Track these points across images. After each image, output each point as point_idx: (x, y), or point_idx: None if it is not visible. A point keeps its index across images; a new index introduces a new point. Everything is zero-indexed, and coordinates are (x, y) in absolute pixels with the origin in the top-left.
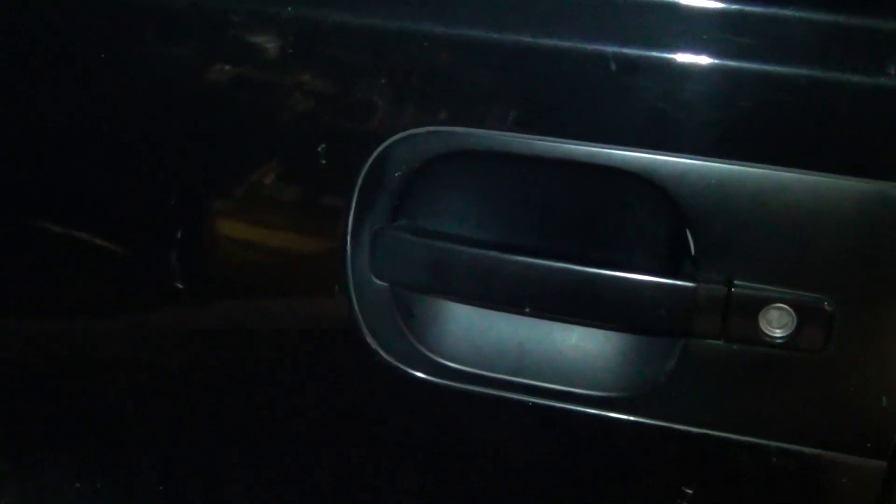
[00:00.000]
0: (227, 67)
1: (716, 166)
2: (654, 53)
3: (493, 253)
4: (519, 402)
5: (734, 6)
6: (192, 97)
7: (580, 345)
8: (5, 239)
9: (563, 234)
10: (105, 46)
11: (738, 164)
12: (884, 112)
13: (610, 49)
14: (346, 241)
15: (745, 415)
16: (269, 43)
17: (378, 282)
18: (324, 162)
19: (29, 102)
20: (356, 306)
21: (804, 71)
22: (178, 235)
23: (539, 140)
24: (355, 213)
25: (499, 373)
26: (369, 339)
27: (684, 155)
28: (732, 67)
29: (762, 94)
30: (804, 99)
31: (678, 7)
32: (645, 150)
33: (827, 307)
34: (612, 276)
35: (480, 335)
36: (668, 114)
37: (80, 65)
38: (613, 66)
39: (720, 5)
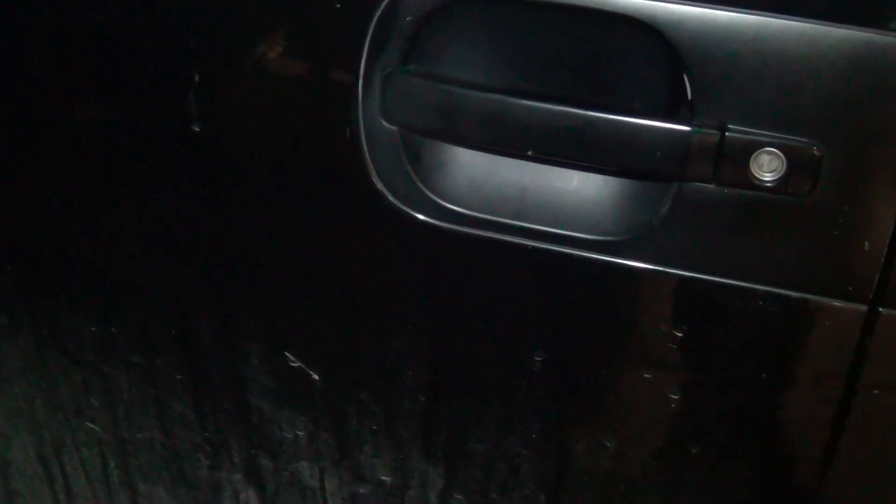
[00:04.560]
0: None
1: (713, 12)
2: None
3: (497, 96)
4: (520, 245)
5: None
6: None
7: (579, 190)
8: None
9: (566, 80)
10: None
11: (734, 11)
12: None
13: None
14: (357, 84)
15: (735, 258)
16: None
17: (387, 125)
18: (338, 6)
19: None
20: (366, 150)
21: None
22: (196, 80)
23: None
24: (367, 57)
25: (501, 217)
26: (377, 183)
27: (683, 1)
28: None
29: None
30: None
31: None
32: None
33: (815, 152)
34: (611, 119)
35: (484, 180)
36: None
37: None
38: None
39: None
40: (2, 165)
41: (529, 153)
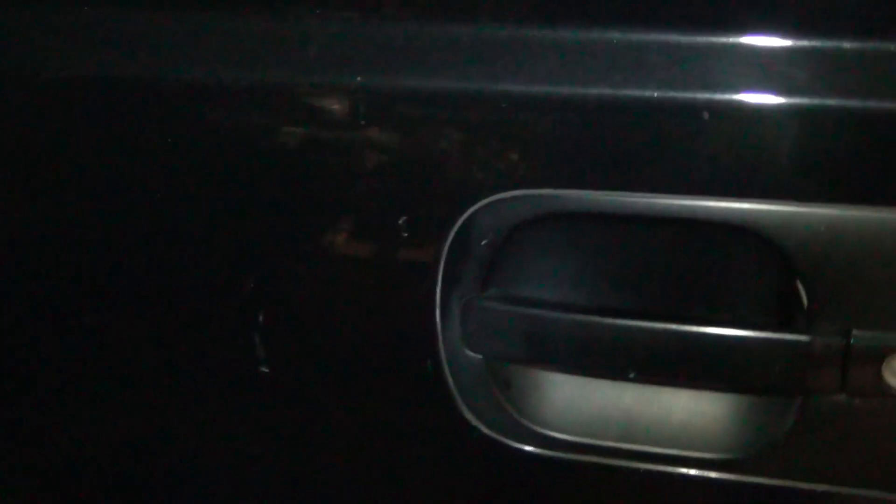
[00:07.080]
0: (309, 139)
1: (822, 211)
2: (745, 99)
3: (591, 318)
4: (630, 469)
5: (827, 43)
6: (274, 171)
7: (691, 406)
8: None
9: (664, 294)
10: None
11: (846, 207)
12: None
13: (702, 97)
14: (434, 314)
15: (871, 469)
16: (349, 113)
17: (472, 354)
18: (406, 235)
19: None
20: (450, 381)
21: None
22: (261, 319)
23: (632, 197)
24: (443, 285)
25: (606, 440)
26: (468, 415)
27: (788, 202)
28: (827, 106)
29: (864, 132)
30: None
31: (762, 50)
32: (745, 200)
33: None
34: (721, 335)
35: (584, 402)
36: (766, 160)
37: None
38: (706, 115)
39: (810, 43)
40: None
41: (631, 377)
